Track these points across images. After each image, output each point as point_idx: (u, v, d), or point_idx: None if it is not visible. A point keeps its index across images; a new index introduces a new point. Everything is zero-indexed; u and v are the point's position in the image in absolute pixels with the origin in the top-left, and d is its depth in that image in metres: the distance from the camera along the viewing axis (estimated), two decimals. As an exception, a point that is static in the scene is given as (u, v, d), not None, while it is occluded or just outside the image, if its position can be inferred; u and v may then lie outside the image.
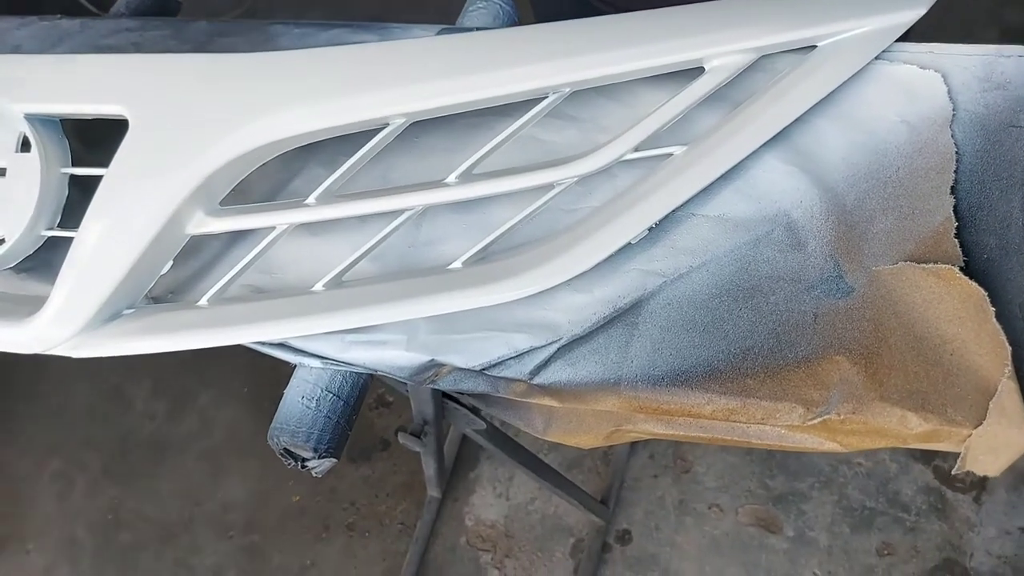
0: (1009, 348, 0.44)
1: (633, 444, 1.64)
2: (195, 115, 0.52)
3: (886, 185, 0.50)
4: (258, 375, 2.10)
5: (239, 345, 0.55)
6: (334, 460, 0.55)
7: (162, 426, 2.14)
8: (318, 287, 0.52)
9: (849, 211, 0.50)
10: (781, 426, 0.47)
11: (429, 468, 1.37)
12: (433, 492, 1.59)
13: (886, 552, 1.49)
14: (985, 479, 1.47)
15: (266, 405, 2.05)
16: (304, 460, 0.55)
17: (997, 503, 1.48)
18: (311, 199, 0.52)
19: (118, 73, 0.54)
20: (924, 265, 0.47)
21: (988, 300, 0.45)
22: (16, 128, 0.56)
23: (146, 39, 0.73)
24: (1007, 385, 0.43)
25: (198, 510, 1.89)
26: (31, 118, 0.55)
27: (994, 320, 0.44)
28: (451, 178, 0.52)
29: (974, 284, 0.45)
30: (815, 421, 0.46)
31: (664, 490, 1.61)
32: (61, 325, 0.53)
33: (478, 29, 0.67)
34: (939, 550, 1.48)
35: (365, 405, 2.20)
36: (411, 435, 1.17)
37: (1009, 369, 0.43)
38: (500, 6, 0.70)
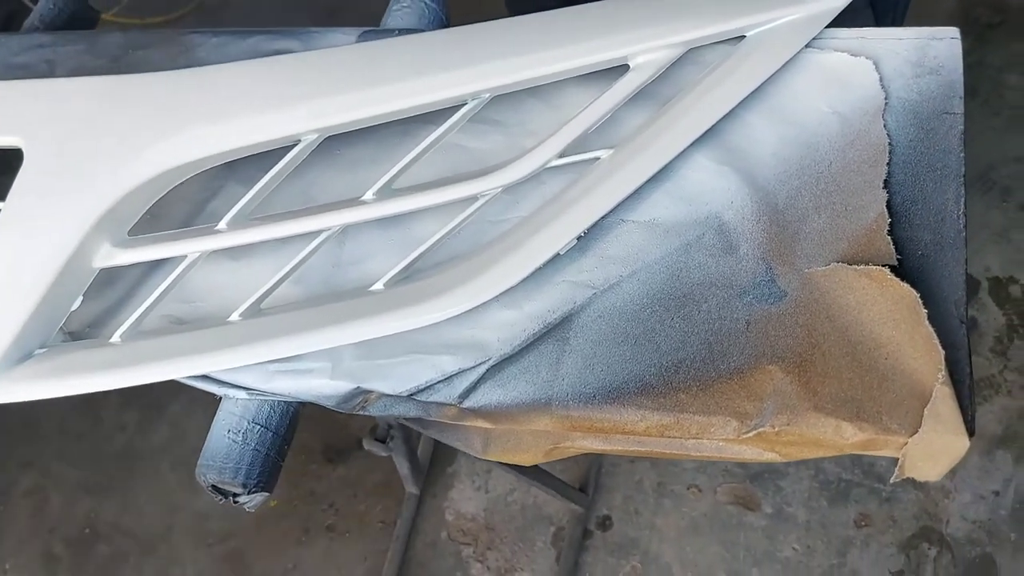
0: (943, 352, 0.42)
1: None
2: (92, 142, 0.49)
3: (818, 181, 0.48)
4: (231, 378, 2.07)
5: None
6: (266, 494, 0.53)
7: (134, 437, 2.11)
8: (234, 317, 0.50)
9: (781, 210, 0.48)
10: (717, 439, 0.46)
11: (403, 467, 1.36)
12: (411, 489, 1.57)
13: (863, 523, 1.50)
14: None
15: (240, 408, 2.03)
16: (235, 495, 0.53)
17: (970, 469, 1.48)
18: (222, 224, 0.50)
19: (10, 102, 0.51)
20: (856, 267, 0.45)
21: (921, 302, 0.43)
22: (-92, 164, 0.52)
23: (59, 55, 0.70)
24: (941, 391, 0.42)
25: (176, 519, 1.87)
26: (-79, 153, 0.52)
27: (927, 323, 0.43)
28: (368, 195, 0.50)
29: (906, 286, 0.43)
30: (750, 434, 0.44)
31: (642, 474, 1.61)
32: (-32, 370, 0.50)
33: (400, 32, 0.64)
34: (916, 519, 1.49)
35: (339, 404, 2.15)
36: (376, 441, 1.15)
37: (943, 374, 0.42)
38: (426, 5, 0.67)
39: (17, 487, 2.15)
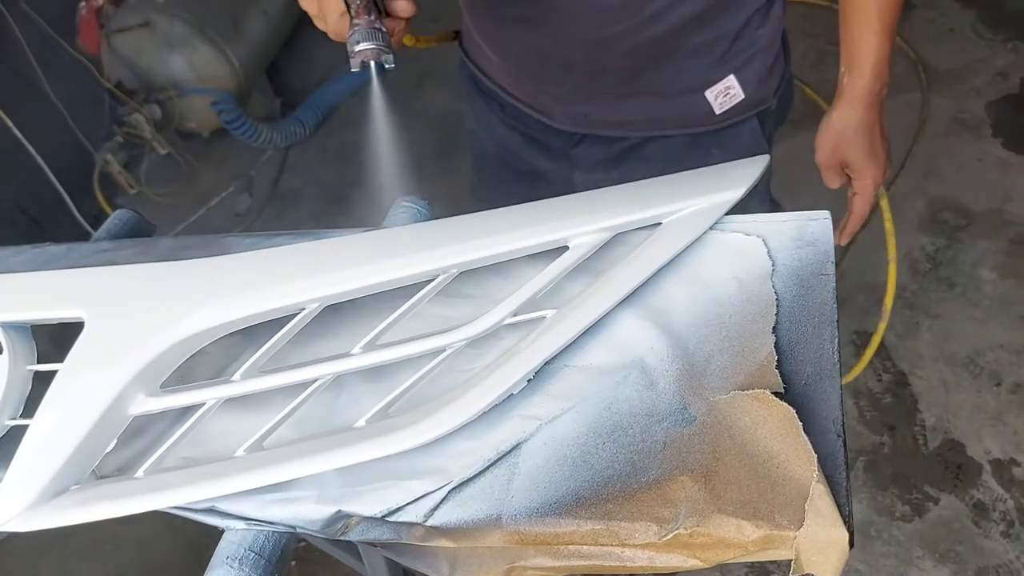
0: (815, 455, 0.50)
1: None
2: (137, 313, 0.62)
3: (721, 329, 0.59)
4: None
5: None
6: (257, 618, 0.59)
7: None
8: (240, 452, 0.60)
9: (691, 353, 0.59)
10: (642, 545, 0.52)
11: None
12: None
13: None
14: None
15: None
16: (229, 619, 0.59)
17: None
18: (236, 375, 0.61)
19: (77, 284, 0.65)
20: (748, 391, 0.54)
21: (797, 417, 0.52)
22: (-9, 335, 0.65)
23: (120, 257, 0.85)
24: (817, 488, 0.49)
25: None
26: (4, 325, 0.65)
27: (804, 435, 0.51)
28: (356, 349, 0.61)
29: (784, 404, 0.53)
30: (668, 537, 0.51)
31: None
32: (11, 502, 0.59)
33: (393, 228, 0.79)
34: None
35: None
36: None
37: (817, 473, 0.50)
38: (418, 210, 0.83)
39: None
